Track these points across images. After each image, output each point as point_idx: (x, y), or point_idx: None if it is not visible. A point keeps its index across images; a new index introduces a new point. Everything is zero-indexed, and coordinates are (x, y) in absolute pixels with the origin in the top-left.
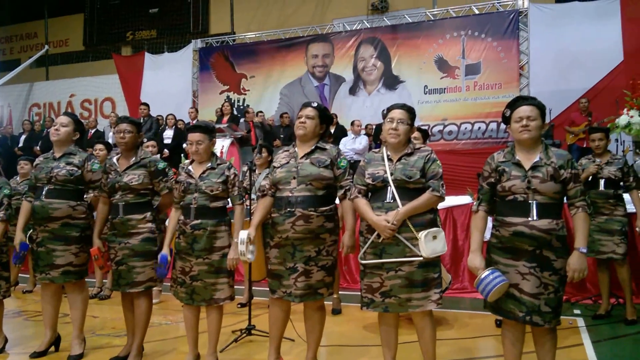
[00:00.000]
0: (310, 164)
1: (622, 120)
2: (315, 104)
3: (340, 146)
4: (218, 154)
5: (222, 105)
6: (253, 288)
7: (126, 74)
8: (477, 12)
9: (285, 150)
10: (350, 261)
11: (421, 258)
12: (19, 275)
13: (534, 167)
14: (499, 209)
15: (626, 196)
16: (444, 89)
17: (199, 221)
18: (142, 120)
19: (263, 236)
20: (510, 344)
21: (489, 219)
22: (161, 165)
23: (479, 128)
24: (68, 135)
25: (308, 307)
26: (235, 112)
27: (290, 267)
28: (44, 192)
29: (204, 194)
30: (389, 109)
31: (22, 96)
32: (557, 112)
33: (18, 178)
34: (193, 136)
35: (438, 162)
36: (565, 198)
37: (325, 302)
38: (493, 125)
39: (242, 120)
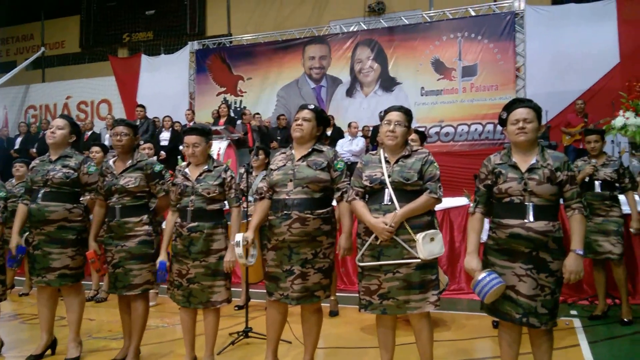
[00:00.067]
0: (307, 167)
1: (618, 121)
2: (312, 106)
3: (337, 148)
4: (215, 156)
5: (219, 107)
6: (250, 290)
7: (123, 76)
8: (473, 13)
9: (283, 153)
10: (348, 263)
11: (419, 260)
12: (15, 278)
13: (531, 170)
14: (496, 211)
15: (622, 197)
16: (441, 90)
17: (195, 224)
18: (138, 122)
19: (260, 238)
20: (507, 345)
21: (486, 220)
22: (157, 167)
23: (476, 129)
24: (64, 138)
25: (305, 310)
26: (232, 114)
27: (286, 269)
28: (40, 195)
29: (201, 196)
30: (387, 111)
31: (18, 98)
32: (553, 113)
33: (14, 180)
34: (189, 139)
35: (435, 164)
36: (561, 200)
37: (322, 304)
38: (490, 127)
39: (239, 122)
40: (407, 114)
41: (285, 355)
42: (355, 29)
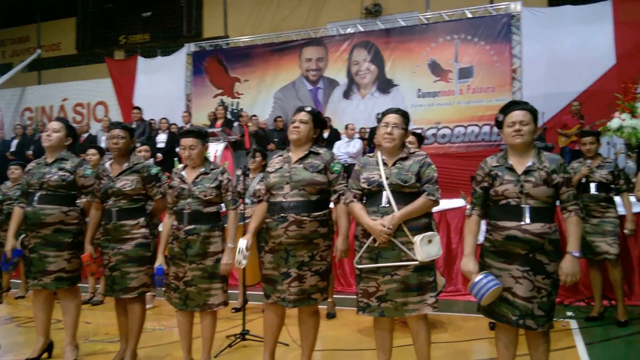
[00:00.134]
0: (304, 169)
1: (614, 123)
2: (309, 109)
3: (334, 149)
4: (212, 159)
5: (216, 109)
6: (247, 292)
7: (119, 78)
8: (470, 15)
9: (280, 155)
10: (345, 265)
11: (417, 262)
12: (11, 280)
13: (527, 172)
14: (492, 213)
15: (617, 199)
16: (438, 92)
17: (192, 226)
18: (135, 125)
19: (258, 241)
20: (504, 347)
21: (483, 222)
22: (154, 170)
23: (472, 131)
24: (60, 141)
25: (302, 312)
26: (229, 116)
27: (283, 272)
28: (36, 198)
29: (197, 199)
30: (384, 114)
31: (14, 100)
32: (549, 115)
33: (9, 183)
34: (186, 141)
35: (433, 166)
36: (557, 202)
37: (319, 306)
38: (486, 129)
39: (235, 124)
40: (405, 116)
41: (282, 357)
42: (352, 31)
